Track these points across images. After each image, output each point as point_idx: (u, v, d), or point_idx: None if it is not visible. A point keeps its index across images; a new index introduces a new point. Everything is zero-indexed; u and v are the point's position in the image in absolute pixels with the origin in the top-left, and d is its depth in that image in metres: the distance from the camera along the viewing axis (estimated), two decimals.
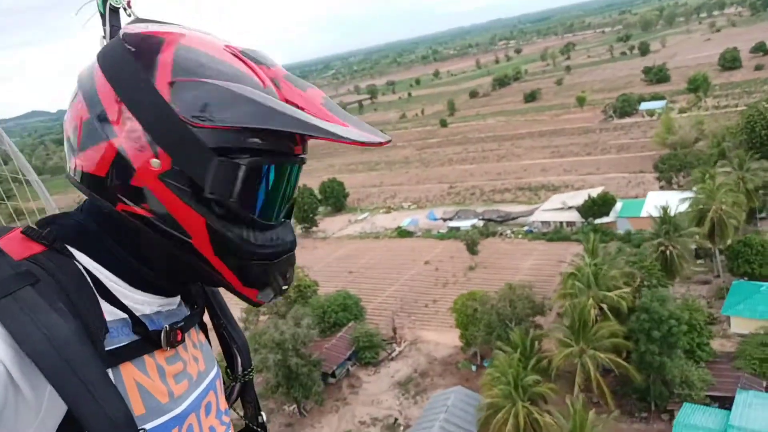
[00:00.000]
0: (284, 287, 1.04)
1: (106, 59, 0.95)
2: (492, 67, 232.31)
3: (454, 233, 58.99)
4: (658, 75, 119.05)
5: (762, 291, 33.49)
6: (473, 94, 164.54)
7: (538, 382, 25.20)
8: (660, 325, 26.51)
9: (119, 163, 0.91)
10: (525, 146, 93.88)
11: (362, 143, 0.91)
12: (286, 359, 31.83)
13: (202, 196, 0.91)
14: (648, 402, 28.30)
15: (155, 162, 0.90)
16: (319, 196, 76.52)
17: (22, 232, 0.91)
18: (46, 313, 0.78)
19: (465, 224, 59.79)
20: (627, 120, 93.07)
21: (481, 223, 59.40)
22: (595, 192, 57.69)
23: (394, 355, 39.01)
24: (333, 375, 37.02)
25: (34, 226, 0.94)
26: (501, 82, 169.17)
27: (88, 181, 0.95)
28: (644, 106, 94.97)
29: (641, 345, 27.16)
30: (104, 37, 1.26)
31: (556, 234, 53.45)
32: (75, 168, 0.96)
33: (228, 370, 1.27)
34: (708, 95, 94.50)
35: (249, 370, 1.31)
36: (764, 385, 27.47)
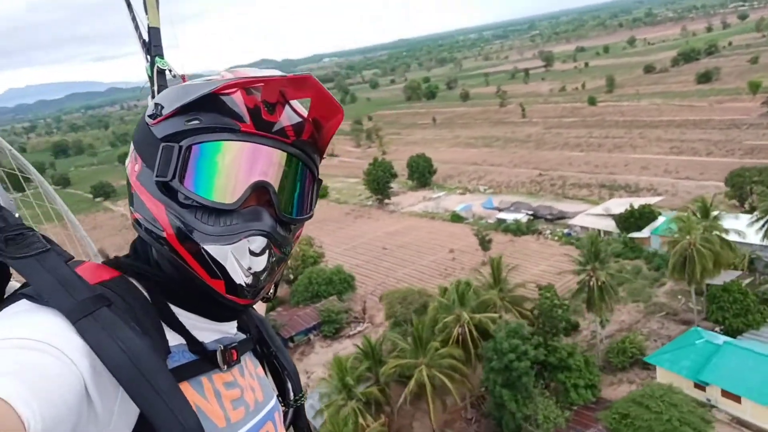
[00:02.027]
0: (247, 280, 1.02)
1: None
2: (699, 36, 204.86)
3: (497, 225, 58.42)
4: None
5: (696, 345, 29.78)
6: (648, 69, 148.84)
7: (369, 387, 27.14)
8: (502, 356, 26.25)
9: (127, 179, 1.07)
10: (651, 137, 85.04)
11: (271, 78, 0.99)
12: None
13: (164, 185, 0.99)
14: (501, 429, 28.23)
15: (136, 167, 1.04)
16: (405, 171, 79.84)
17: (103, 263, 1.04)
18: (121, 329, 0.85)
19: (512, 217, 58.64)
20: None
21: (526, 218, 57.73)
22: (646, 201, 52.58)
23: (351, 332, 42.24)
24: (291, 340, 41.73)
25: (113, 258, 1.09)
26: (687, 57, 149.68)
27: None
28: None
29: (484, 373, 27.15)
30: (152, 97, 1.43)
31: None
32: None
33: (279, 398, 1.30)
34: None
35: (300, 395, 1.35)
36: None
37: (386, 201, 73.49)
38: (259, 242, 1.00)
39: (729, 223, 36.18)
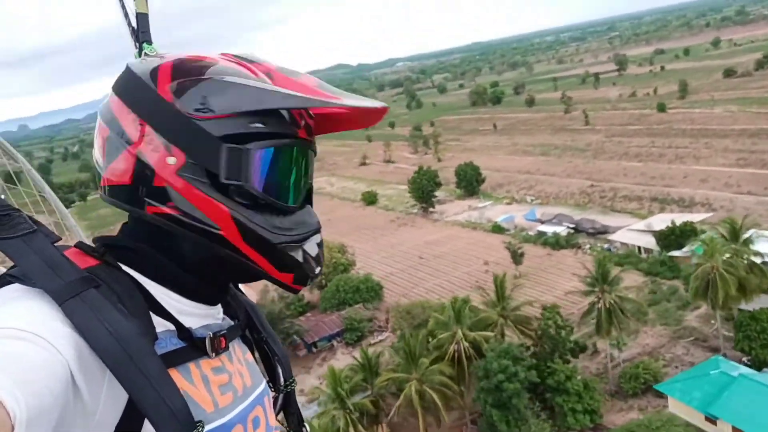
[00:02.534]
0: (317, 269, 1.09)
1: (117, 84, 1.06)
2: None
3: (536, 237, 57.29)
4: None
5: (711, 375, 28.21)
6: (729, 73, 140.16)
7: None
8: (492, 377, 26.08)
9: (140, 167, 0.98)
10: (719, 147, 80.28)
11: (356, 108, 1.00)
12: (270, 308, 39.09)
13: (220, 184, 0.97)
14: None
15: (171, 159, 0.97)
16: (452, 179, 79.55)
17: (75, 246, 1.00)
18: (109, 311, 0.85)
19: (553, 230, 57.32)
20: None
21: (565, 232, 56.25)
22: (693, 218, 49.95)
23: (373, 341, 42.85)
24: (315, 345, 42.94)
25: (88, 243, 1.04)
26: None
27: (117, 192, 1.02)
28: None
29: (476, 392, 27.01)
30: None
31: (626, 259, 48.43)
32: (104, 185, 1.04)
33: (270, 383, 1.31)
34: None
35: (290, 381, 1.35)
36: None
37: (431, 209, 73.52)
38: (319, 237, 1.09)
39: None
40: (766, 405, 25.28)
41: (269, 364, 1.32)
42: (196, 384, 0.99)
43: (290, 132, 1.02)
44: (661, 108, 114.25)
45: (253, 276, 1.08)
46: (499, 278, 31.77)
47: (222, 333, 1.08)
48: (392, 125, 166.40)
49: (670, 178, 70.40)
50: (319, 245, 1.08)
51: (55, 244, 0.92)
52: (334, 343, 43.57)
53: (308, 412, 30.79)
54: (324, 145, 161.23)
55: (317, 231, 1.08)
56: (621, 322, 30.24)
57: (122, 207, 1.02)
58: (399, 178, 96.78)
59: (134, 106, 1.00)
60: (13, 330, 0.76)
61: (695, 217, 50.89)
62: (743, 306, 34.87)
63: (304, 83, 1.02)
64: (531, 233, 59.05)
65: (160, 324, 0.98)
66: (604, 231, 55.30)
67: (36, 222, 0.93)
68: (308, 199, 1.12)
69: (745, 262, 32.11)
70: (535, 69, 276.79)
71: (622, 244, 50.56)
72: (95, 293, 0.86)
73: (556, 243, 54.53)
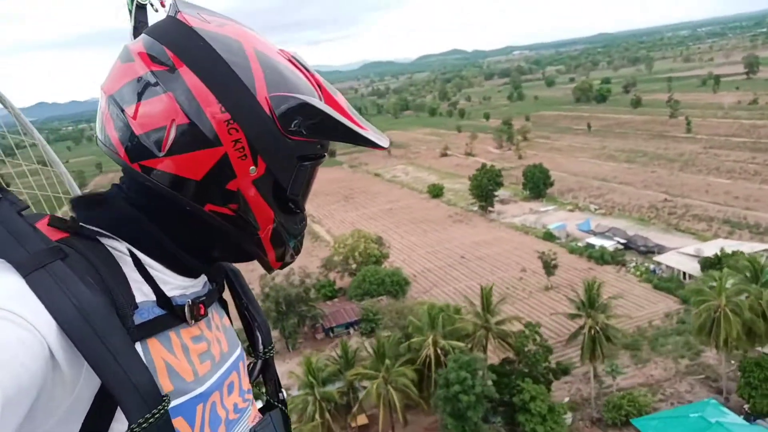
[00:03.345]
0: (296, 257, 1.16)
1: (195, 59, 0.95)
2: None
3: (583, 249, 55.33)
4: None
5: (690, 418, 26.66)
6: None
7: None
8: (449, 386, 26.55)
9: (219, 168, 0.95)
10: None
11: (381, 148, 1.03)
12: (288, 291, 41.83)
13: (280, 195, 1.02)
14: None
15: (253, 169, 0.97)
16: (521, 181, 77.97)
17: (48, 224, 0.94)
18: (75, 284, 0.82)
19: (601, 243, 55.05)
20: None
21: (612, 247, 53.81)
22: (756, 247, 45.99)
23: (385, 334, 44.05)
24: (332, 330, 44.99)
25: (61, 216, 0.99)
26: None
27: (174, 183, 0.96)
28: None
29: (434, 399, 27.59)
30: (132, 35, 1.31)
31: (665, 282, 45.79)
32: (155, 168, 0.95)
33: (250, 348, 1.32)
34: None
35: (269, 348, 1.34)
36: None
37: (489, 209, 72.72)
38: (305, 231, 1.17)
39: None
40: None
41: (250, 330, 1.34)
42: (176, 354, 0.99)
43: (323, 152, 1.07)
44: None
45: (248, 259, 1.14)
46: (486, 290, 31.72)
47: (201, 300, 1.08)
48: (487, 117, 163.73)
49: (755, 200, 64.51)
50: (302, 237, 1.16)
51: (25, 213, 0.90)
52: (351, 331, 45.32)
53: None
54: (414, 132, 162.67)
55: (305, 226, 1.16)
56: (605, 349, 29.24)
57: (178, 200, 0.98)
58: (472, 173, 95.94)
59: (229, 106, 0.94)
60: None
61: (756, 247, 46.79)
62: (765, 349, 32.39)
63: (341, 104, 1.06)
64: (580, 244, 57.04)
65: (141, 294, 0.97)
66: (656, 250, 52.29)
67: (2, 190, 0.90)
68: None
69: (763, 304, 29.65)
70: (655, 67, 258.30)
71: (668, 267, 47.67)
72: (61, 265, 0.83)
73: (600, 257, 52.40)
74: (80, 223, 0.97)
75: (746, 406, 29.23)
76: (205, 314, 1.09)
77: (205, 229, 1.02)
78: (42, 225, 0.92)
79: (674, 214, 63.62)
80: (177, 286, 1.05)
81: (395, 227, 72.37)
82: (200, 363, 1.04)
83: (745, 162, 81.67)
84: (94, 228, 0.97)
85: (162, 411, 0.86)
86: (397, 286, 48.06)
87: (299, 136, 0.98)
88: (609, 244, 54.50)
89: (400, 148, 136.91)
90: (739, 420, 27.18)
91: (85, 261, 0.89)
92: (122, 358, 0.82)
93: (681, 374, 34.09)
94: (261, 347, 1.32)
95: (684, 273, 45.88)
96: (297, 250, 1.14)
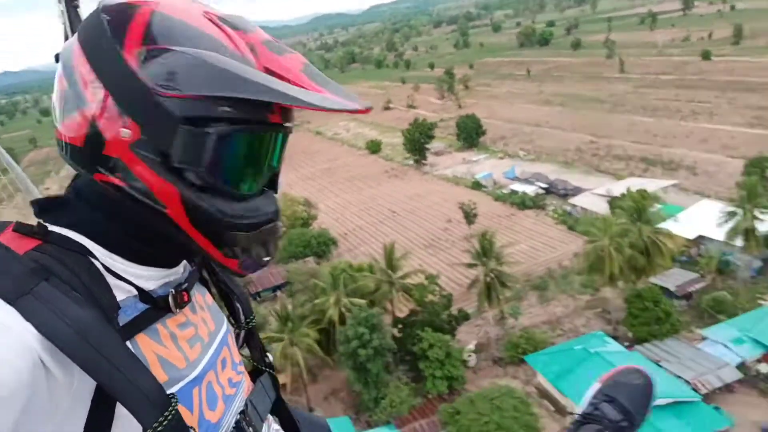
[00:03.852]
0: (265, 258, 1.03)
1: (83, 30, 0.95)
2: None
3: (508, 196, 57.01)
4: None
5: (574, 350, 28.75)
6: None
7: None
8: (349, 343, 27.91)
9: (92, 132, 0.91)
10: (740, 104, 75.00)
11: (335, 110, 0.89)
12: None
13: (172, 165, 0.90)
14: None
15: (125, 132, 0.90)
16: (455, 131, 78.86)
17: (13, 230, 0.92)
18: (64, 303, 0.81)
19: (524, 189, 56.83)
20: None
21: (534, 192, 55.65)
22: (660, 184, 48.37)
23: None
24: (258, 295, 45.88)
25: (24, 222, 0.95)
26: None
27: (69, 150, 0.95)
28: None
29: (337, 355, 29.04)
30: (66, 34, 1.25)
31: (579, 223, 47.90)
32: (59, 139, 0.96)
33: (231, 320, 1.31)
34: None
35: (251, 317, 1.35)
36: None
37: (423, 162, 73.68)
38: (271, 226, 1.01)
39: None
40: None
41: (229, 302, 1.33)
42: (165, 344, 0.99)
43: (260, 118, 0.93)
44: (706, 56, 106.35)
45: (195, 255, 1.09)
46: (389, 247, 32.86)
47: (184, 287, 1.07)
48: (432, 66, 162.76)
49: (672, 137, 67.09)
50: (274, 235, 1.02)
51: None
52: (278, 293, 46.30)
53: None
54: (358, 86, 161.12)
55: (272, 220, 1.01)
56: (500, 294, 30.95)
57: (72, 166, 0.97)
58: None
59: (95, 65, 0.91)
60: None
61: (661, 184, 49.20)
62: (658, 280, 34.76)
63: (289, 66, 0.95)
64: (505, 191, 58.74)
65: (123, 290, 0.95)
66: (575, 193, 54.33)
67: None
68: (273, 185, 1.06)
69: (646, 239, 31.67)
70: (599, 6, 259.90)
71: (583, 208, 49.75)
72: (46, 286, 0.81)
73: (522, 203, 54.24)
74: (48, 228, 0.93)
75: (630, 334, 31.54)
76: (189, 300, 1.08)
77: (129, 211, 0.96)
78: (7, 235, 0.91)
79: (597, 156, 65.79)
80: (154, 277, 1.02)
81: (331, 186, 72.91)
82: (190, 348, 1.05)
83: (669, 100, 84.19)
84: (62, 232, 0.94)
85: (173, 411, 0.88)
86: (324, 246, 49.02)
87: (175, 92, 0.88)
88: (531, 190, 56.29)
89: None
90: (620, 348, 29.39)
91: (66, 271, 0.86)
92: (126, 369, 0.83)
93: (580, 310, 36.29)
94: (242, 317, 1.34)
95: (596, 213, 47.96)
96: (264, 249, 1.02)
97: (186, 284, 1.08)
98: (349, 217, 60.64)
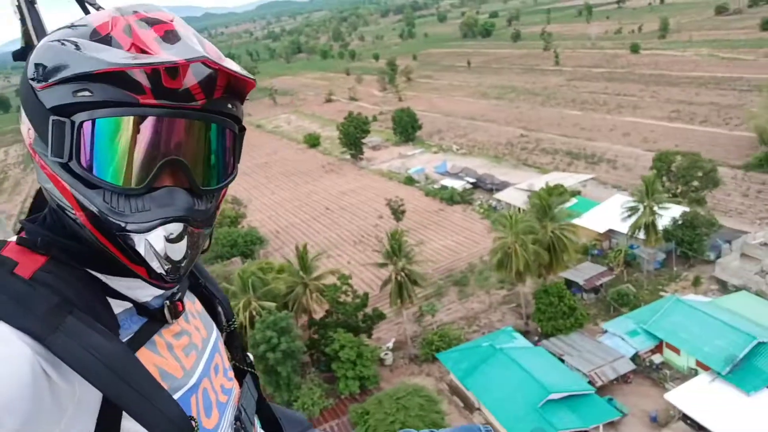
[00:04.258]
0: (166, 267, 0.94)
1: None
2: None
3: (438, 191, 57.84)
4: None
5: (482, 347, 29.67)
6: (720, 10, 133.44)
7: None
8: (257, 347, 27.96)
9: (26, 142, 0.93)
10: (662, 97, 78.21)
11: (143, 65, 0.84)
12: None
13: (57, 161, 0.87)
14: None
15: (31, 132, 0.90)
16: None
17: (18, 243, 0.92)
18: (91, 337, 0.83)
19: (452, 184, 57.78)
20: None
21: (462, 187, 56.67)
22: (578, 178, 50.08)
23: None
24: None
25: (23, 236, 0.95)
26: None
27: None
28: None
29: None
30: (21, 26, 1.25)
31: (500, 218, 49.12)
32: None
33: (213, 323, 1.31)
34: None
35: (233, 320, 1.37)
36: None
37: (360, 156, 73.80)
38: (175, 228, 0.91)
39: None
40: (504, 380, 26.83)
41: (211, 306, 1.33)
42: (163, 355, 0.99)
43: (125, 99, 0.87)
44: (634, 49, 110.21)
45: (116, 263, 0.96)
46: (302, 247, 32.92)
47: (177, 297, 1.07)
48: (376, 57, 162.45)
49: (597, 130, 69.40)
50: (177, 238, 0.93)
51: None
52: None
53: None
54: (303, 77, 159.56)
55: (173, 220, 0.92)
56: (410, 292, 31.55)
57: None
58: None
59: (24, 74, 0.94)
60: None
61: (579, 178, 51.00)
62: (569, 274, 36.13)
63: (146, 37, 0.89)
64: (436, 186, 59.58)
65: (117, 305, 0.95)
66: (501, 188, 55.59)
67: None
68: (191, 181, 0.95)
69: (551, 235, 32.82)
70: None
71: (507, 203, 51.01)
72: (73, 320, 0.83)
73: (450, 198, 55.15)
74: (50, 242, 0.93)
75: (539, 329, 32.75)
76: (183, 309, 1.08)
77: (65, 220, 0.95)
78: (13, 250, 0.90)
79: (526, 149, 67.44)
80: (142, 287, 1.00)
81: (267, 182, 72.22)
82: (186, 356, 1.05)
83: (598, 93, 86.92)
84: (59, 248, 0.94)
85: None
86: (252, 245, 48.63)
87: (42, 84, 0.88)
88: (460, 185, 57.27)
89: (286, 95, 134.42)
90: (526, 344, 30.50)
91: (77, 295, 0.88)
92: (153, 398, 0.85)
93: (496, 305, 37.37)
94: (224, 321, 1.35)
95: (519, 208, 49.27)
96: (162, 256, 0.93)
97: (179, 294, 1.07)
98: (283, 214, 60.34)
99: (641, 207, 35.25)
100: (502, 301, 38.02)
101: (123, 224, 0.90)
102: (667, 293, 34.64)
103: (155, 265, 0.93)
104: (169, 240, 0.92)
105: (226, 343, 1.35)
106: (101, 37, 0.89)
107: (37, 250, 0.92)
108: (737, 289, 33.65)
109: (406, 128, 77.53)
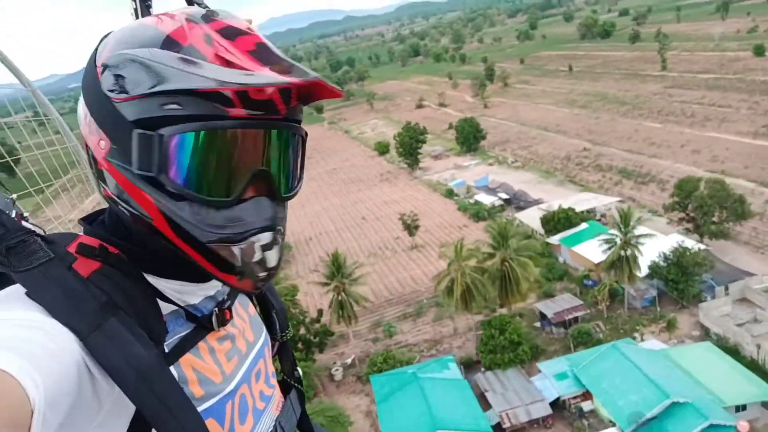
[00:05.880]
0: (261, 275, 0.96)
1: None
2: None
3: (468, 205, 57.03)
4: None
5: (406, 374, 29.56)
6: None
7: None
8: None
9: (89, 152, 0.95)
10: (762, 109, 69.28)
11: (258, 85, 0.83)
12: None
13: (140, 173, 0.88)
14: None
15: (102, 143, 0.91)
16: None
17: (76, 252, 0.92)
18: (128, 342, 0.82)
19: (485, 200, 56.64)
20: None
21: (492, 203, 55.30)
22: (604, 202, 46.97)
23: None
24: None
25: (86, 242, 0.95)
26: None
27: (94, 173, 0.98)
28: None
29: None
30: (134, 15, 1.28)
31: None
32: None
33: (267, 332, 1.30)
34: None
35: (286, 331, 1.35)
36: None
37: (417, 166, 74.17)
38: (267, 237, 0.94)
39: None
40: (407, 410, 26.80)
41: (267, 314, 1.34)
42: (204, 359, 0.99)
43: (215, 113, 0.87)
44: (759, 51, 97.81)
45: (197, 269, 0.96)
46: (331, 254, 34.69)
47: (227, 305, 1.07)
48: (485, 60, 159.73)
49: (667, 146, 63.65)
50: (269, 247, 0.95)
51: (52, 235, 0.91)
52: None
53: None
54: (409, 81, 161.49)
55: (264, 229, 0.94)
56: (349, 312, 32.27)
57: (96, 183, 0.99)
58: (434, 125, 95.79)
59: (83, 82, 0.95)
60: (26, 321, 0.76)
61: (605, 201, 47.69)
62: (542, 305, 34.66)
63: (235, 50, 0.88)
64: (471, 201, 58.72)
65: (165, 307, 0.95)
66: (531, 205, 53.52)
67: (46, 239, 0.87)
68: (272, 191, 0.95)
69: (508, 266, 31.76)
70: None
71: (525, 223, 49.15)
72: (114, 322, 0.83)
73: (476, 214, 54.19)
74: (108, 250, 0.95)
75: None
76: (231, 317, 1.07)
77: (134, 226, 0.96)
78: (72, 250, 0.92)
79: (581, 165, 63.83)
80: (193, 291, 1.03)
81: (326, 189, 75.30)
82: (227, 361, 1.05)
83: (691, 102, 79.20)
84: (116, 253, 0.95)
85: None
86: None
87: (123, 96, 0.87)
88: (491, 201, 56.00)
89: (384, 100, 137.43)
90: (456, 375, 29.87)
91: (126, 299, 0.88)
92: (179, 413, 0.84)
93: (464, 331, 36.63)
94: (278, 331, 1.35)
95: (533, 230, 47.35)
96: (259, 266, 0.95)
97: (229, 301, 1.09)
98: (323, 222, 62.86)
99: (617, 239, 32.71)
100: (477, 326, 37.19)
101: (216, 235, 0.91)
102: (638, 335, 31.94)
103: (250, 273, 0.95)
104: (264, 248, 0.94)
105: (277, 353, 1.37)
106: (180, 47, 0.88)
107: (95, 257, 0.92)
108: (718, 337, 30.16)
109: (468, 138, 76.65)
